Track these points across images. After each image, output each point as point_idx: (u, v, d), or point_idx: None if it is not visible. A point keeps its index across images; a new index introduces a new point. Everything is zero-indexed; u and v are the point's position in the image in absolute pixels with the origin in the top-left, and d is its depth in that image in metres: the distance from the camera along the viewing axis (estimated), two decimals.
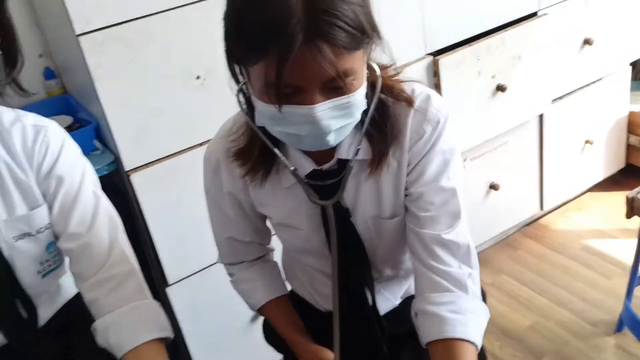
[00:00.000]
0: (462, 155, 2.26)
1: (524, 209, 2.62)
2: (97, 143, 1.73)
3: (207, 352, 1.98)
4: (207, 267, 1.87)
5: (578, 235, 2.58)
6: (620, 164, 2.80)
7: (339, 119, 0.90)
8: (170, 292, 1.84)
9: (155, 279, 1.86)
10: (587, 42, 2.35)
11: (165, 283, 1.83)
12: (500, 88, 2.14)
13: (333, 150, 1.02)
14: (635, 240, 1.91)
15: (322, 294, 1.24)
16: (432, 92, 1.03)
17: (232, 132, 1.08)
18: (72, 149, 1.17)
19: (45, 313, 1.25)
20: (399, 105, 1.01)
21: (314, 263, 1.20)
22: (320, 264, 1.19)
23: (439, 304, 1.00)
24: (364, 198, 1.07)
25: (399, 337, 1.20)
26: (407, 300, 1.20)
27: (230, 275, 1.30)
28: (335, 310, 1.05)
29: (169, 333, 1.14)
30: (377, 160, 1.01)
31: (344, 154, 1.02)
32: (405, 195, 1.07)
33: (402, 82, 1.03)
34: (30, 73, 1.92)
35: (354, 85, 0.89)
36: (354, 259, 1.11)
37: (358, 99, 0.91)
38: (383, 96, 1.01)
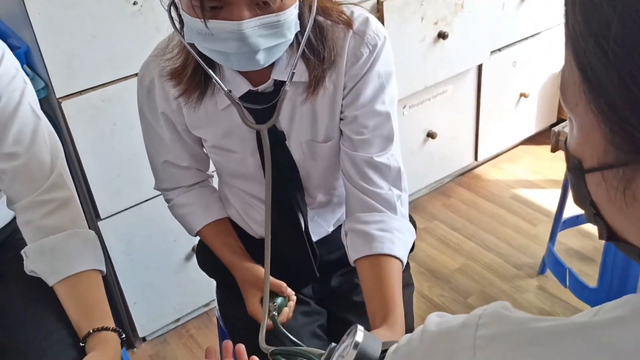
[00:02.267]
0: (402, 103, 2.29)
1: (459, 159, 2.69)
2: (27, 69, 1.67)
3: (139, 289, 1.97)
4: (140, 203, 1.85)
5: (508, 185, 2.67)
6: (552, 119, 2.89)
7: (268, 38, 0.89)
8: (102, 226, 1.81)
9: (87, 212, 1.82)
10: None
11: (97, 216, 1.80)
12: (442, 35, 2.16)
13: (269, 71, 1.02)
14: (560, 191, 2.00)
15: (256, 221, 1.24)
16: (371, 16, 1.04)
17: (166, 52, 1.06)
18: (10, 64, 1.09)
19: None
20: (338, 29, 1.01)
21: (247, 188, 1.20)
22: (253, 189, 1.19)
23: (369, 222, 1.03)
24: (300, 122, 1.08)
25: (330, 263, 1.23)
26: (339, 228, 1.22)
27: (168, 201, 1.28)
28: (267, 232, 1.05)
29: (104, 267, 1.13)
30: (313, 83, 1.01)
31: (280, 74, 1.02)
32: (341, 119, 1.08)
33: (341, 4, 1.02)
34: None
35: (285, 3, 0.89)
36: (287, 183, 1.12)
37: (289, 18, 0.90)
38: (321, 19, 1.00)
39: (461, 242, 2.38)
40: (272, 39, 0.90)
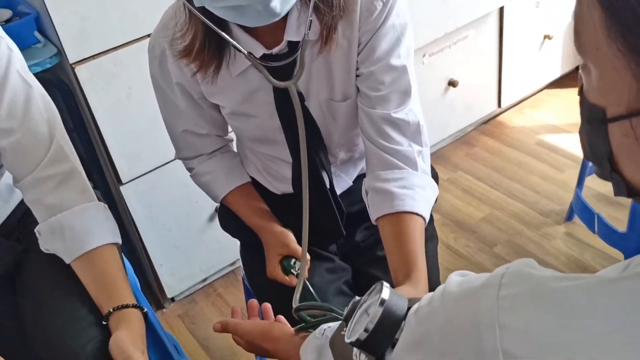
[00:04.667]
0: (421, 51, 2.22)
1: (482, 106, 2.63)
2: (38, 35, 1.65)
3: (165, 251, 1.99)
4: (161, 166, 1.84)
5: (533, 131, 2.62)
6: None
7: None
8: (124, 191, 1.82)
9: (108, 177, 1.83)
10: None
11: (119, 181, 1.80)
12: None
13: (282, 33, 0.99)
14: None
15: (276, 177, 1.23)
16: None
17: (175, 31, 1.03)
18: None
19: None
20: None
21: (268, 150, 1.19)
22: (274, 151, 1.17)
23: (389, 180, 1.01)
24: (316, 81, 1.05)
25: (353, 216, 1.22)
26: (360, 179, 1.21)
27: (190, 170, 1.28)
28: (305, 196, 1.02)
29: (118, 238, 1.10)
30: (325, 32, 0.97)
31: (293, 34, 0.99)
32: (357, 75, 1.05)
33: None
34: None
35: None
36: (310, 143, 1.09)
37: None
38: None
39: (486, 192, 2.35)
40: None
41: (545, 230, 2.13)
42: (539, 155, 2.48)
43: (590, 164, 1.97)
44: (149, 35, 1.62)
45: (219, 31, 0.94)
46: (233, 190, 1.23)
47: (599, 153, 0.50)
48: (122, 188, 1.81)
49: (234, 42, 0.96)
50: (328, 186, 1.15)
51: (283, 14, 0.91)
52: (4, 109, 1.02)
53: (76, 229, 1.06)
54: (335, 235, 1.22)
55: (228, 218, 1.30)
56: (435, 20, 2.14)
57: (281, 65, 0.99)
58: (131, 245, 1.95)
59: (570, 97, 2.74)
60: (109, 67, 1.64)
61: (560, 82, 2.81)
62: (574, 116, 2.63)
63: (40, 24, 1.65)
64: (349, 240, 1.25)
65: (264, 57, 1.01)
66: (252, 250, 1.26)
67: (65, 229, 1.05)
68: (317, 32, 0.98)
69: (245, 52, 0.97)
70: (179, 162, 1.32)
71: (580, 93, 0.51)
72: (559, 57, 2.71)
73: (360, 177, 1.22)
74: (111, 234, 1.09)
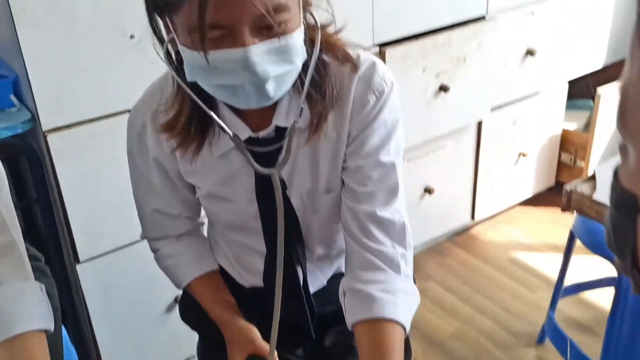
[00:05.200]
0: None
1: (456, 217, 2.61)
2: (14, 99, 1.60)
3: (116, 340, 1.85)
4: (123, 247, 1.75)
5: (506, 247, 2.59)
6: (551, 182, 2.83)
7: (276, 65, 0.83)
8: (81, 270, 1.71)
9: (65, 254, 1.72)
10: (529, 52, 2.37)
11: (76, 259, 1.70)
12: (443, 88, 2.12)
13: (270, 116, 0.95)
14: (561, 256, 1.92)
15: (248, 269, 1.15)
16: (378, 60, 0.98)
17: (161, 103, 0.99)
18: None
19: None
20: (343, 68, 0.95)
21: (241, 239, 1.12)
22: (249, 240, 1.11)
23: (370, 282, 0.94)
24: (301, 170, 1.00)
25: (324, 317, 1.13)
26: (335, 279, 1.14)
27: (155, 250, 1.19)
28: (277, 292, 0.95)
29: (50, 325, 0.98)
30: (315, 123, 0.94)
31: (282, 120, 0.95)
32: (343, 169, 1.00)
33: (346, 45, 0.96)
34: None
35: (289, 27, 0.82)
36: (288, 235, 1.03)
37: (295, 43, 0.84)
38: (327, 58, 0.94)
39: (456, 305, 2.28)
40: (280, 66, 0.83)
41: (515, 352, 2.05)
42: (511, 272, 2.44)
43: (564, 287, 1.92)
44: (128, 111, 1.58)
45: (207, 109, 0.90)
46: (198, 277, 1.15)
47: (622, 244, 0.45)
48: (78, 267, 1.70)
49: (221, 122, 0.91)
50: (301, 283, 1.08)
51: (276, 98, 0.88)
52: None
53: (2, 310, 0.93)
54: (303, 338, 1.13)
55: (189, 308, 1.20)
56: (416, 126, 2.15)
57: (261, 152, 0.95)
58: (79, 330, 1.81)
59: (543, 217, 2.75)
60: (83, 139, 1.58)
61: (534, 201, 2.83)
62: (546, 236, 2.63)
63: (17, 87, 1.60)
64: (318, 345, 1.16)
65: (249, 140, 0.96)
66: (211, 345, 1.16)
67: None
68: (306, 120, 0.94)
69: (231, 134, 0.92)
70: (142, 245, 1.24)
71: (614, 176, 0.46)
72: (532, 176, 2.74)
73: (335, 277, 1.16)
74: (41, 319, 0.96)
